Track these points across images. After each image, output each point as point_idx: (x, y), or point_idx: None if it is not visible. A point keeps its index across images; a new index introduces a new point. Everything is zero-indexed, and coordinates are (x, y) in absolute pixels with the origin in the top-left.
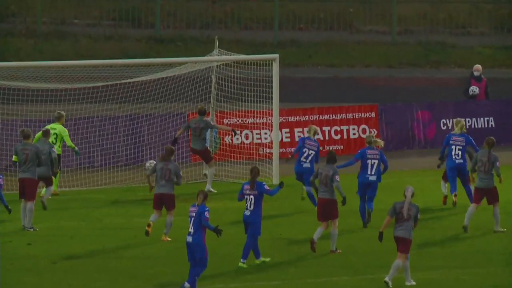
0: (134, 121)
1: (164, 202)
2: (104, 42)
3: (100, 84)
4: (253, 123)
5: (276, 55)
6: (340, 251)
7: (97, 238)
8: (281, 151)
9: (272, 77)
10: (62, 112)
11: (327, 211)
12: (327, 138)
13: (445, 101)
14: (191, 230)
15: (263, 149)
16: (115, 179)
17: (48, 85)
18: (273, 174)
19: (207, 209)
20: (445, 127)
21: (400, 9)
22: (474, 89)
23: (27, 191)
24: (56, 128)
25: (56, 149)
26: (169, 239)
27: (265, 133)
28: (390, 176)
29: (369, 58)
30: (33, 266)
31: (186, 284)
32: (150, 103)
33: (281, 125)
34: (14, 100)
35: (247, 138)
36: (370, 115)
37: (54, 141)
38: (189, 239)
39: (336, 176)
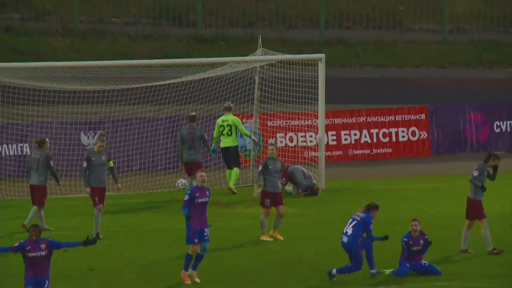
0: (175, 123)
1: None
2: (143, 41)
3: (139, 85)
4: (298, 125)
5: (322, 55)
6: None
7: (136, 244)
8: (327, 154)
9: (317, 77)
10: (231, 104)
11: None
12: (375, 141)
13: (498, 102)
14: (349, 231)
15: (309, 152)
16: (155, 183)
17: (85, 86)
18: (319, 177)
19: (372, 221)
20: (499, 129)
21: (452, 7)
22: None
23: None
24: (228, 119)
25: (232, 140)
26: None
27: (311, 136)
28: (441, 180)
29: (419, 58)
30: (69, 273)
31: (334, 271)
32: (191, 104)
33: (327, 128)
34: (50, 102)
35: (291, 140)
36: (420, 117)
37: (229, 133)
38: (345, 239)
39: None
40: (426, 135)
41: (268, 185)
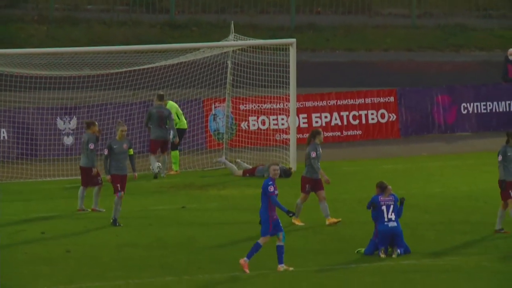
0: (149, 108)
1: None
2: (117, 28)
3: (114, 70)
4: (270, 108)
5: (293, 40)
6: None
7: (112, 227)
8: (298, 136)
9: (289, 62)
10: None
11: None
12: (345, 123)
13: (465, 85)
14: (392, 216)
15: (280, 134)
16: (130, 166)
17: (61, 72)
18: (290, 160)
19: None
20: (466, 111)
21: None
22: None
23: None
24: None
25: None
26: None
27: (282, 119)
28: (410, 161)
29: (388, 42)
30: (47, 255)
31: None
32: (165, 89)
33: (298, 111)
34: (26, 88)
35: (263, 123)
36: (389, 99)
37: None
38: (394, 224)
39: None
40: (395, 117)
41: (309, 171)
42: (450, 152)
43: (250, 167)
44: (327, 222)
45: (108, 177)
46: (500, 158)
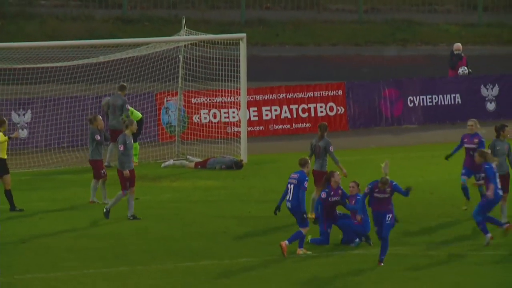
0: (102, 101)
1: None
2: (71, 23)
3: (68, 64)
4: (221, 102)
5: (243, 35)
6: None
7: (66, 218)
8: (249, 129)
9: (239, 56)
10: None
11: None
12: (294, 116)
13: (411, 78)
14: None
15: (231, 127)
16: (84, 158)
17: (14, 65)
18: (241, 152)
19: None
20: (412, 104)
21: None
22: (464, 70)
23: None
24: None
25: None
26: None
27: (233, 112)
28: (357, 154)
29: (336, 37)
30: (1, 246)
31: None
32: (117, 82)
33: (249, 104)
34: None
35: (215, 117)
36: (337, 93)
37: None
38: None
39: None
40: (343, 110)
41: (323, 165)
42: (398, 144)
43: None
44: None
45: (127, 171)
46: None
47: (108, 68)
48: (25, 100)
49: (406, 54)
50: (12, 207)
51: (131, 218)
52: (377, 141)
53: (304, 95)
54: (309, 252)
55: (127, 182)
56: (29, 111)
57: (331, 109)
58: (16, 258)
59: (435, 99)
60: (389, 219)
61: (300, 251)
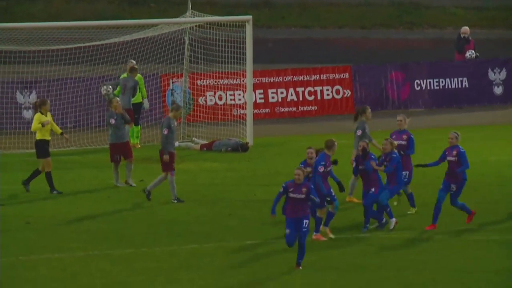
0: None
1: None
2: (76, 4)
3: (73, 45)
4: (227, 84)
5: (250, 17)
6: None
7: (71, 200)
8: (254, 112)
9: (245, 38)
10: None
11: None
12: (301, 99)
13: (418, 62)
14: None
15: (237, 110)
16: (88, 140)
17: (19, 47)
18: (247, 134)
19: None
20: (419, 87)
21: None
22: (471, 53)
23: None
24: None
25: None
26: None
27: (239, 94)
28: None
29: (342, 20)
30: (5, 227)
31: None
32: (123, 64)
33: (255, 86)
34: None
35: (220, 99)
36: (344, 76)
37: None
38: None
39: None
40: (349, 93)
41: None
42: None
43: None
44: (347, 199)
45: (167, 156)
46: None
47: (113, 50)
48: (30, 80)
49: (413, 37)
50: (52, 189)
51: (175, 201)
52: (384, 124)
53: (311, 77)
54: (331, 235)
55: (173, 164)
56: (33, 92)
57: (337, 92)
58: (20, 239)
59: (442, 82)
60: (306, 225)
61: (323, 229)
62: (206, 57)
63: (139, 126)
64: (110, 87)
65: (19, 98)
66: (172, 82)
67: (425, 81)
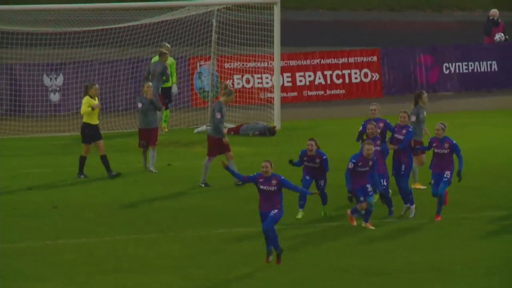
0: (135, 65)
1: None
2: None
3: (100, 27)
4: (254, 67)
5: None
6: None
7: (98, 184)
8: (282, 95)
9: (273, 21)
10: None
11: None
12: (328, 82)
13: (447, 45)
14: None
15: (265, 93)
16: (115, 123)
17: (47, 28)
18: (275, 118)
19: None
20: (448, 71)
21: None
22: (500, 36)
23: None
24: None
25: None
26: None
27: (267, 78)
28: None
29: (371, 2)
30: (33, 212)
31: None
32: (150, 46)
33: (283, 70)
34: (13, 44)
35: (248, 82)
36: (372, 59)
37: None
38: None
39: None
40: (378, 76)
41: (416, 134)
42: (432, 112)
43: (234, 126)
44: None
45: (226, 139)
46: None
47: (141, 32)
48: (57, 63)
49: (442, 20)
50: (109, 173)
51: (203, 185)
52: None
53: (339, 61)
54: (371, 227)
55: (216, 150)
56: (61, 75)
57: (365, 75)
58: (47, 223)
59: (471, 66)
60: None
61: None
62: (234, 40)
63: (167, 110)
64: (175, 86)
65: (46, 81)
66: (200, 65)
67: (454, 64)
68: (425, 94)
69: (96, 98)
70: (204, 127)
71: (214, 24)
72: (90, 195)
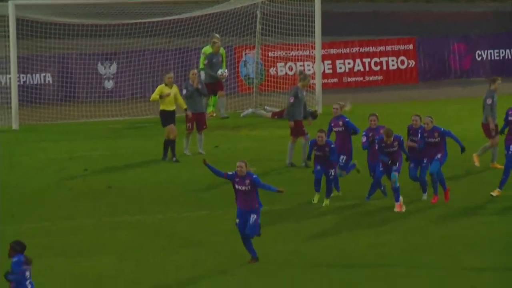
0: (183, 55)
1: None
2: None
3: (151, 19)
4: (297, 55)
5: None
6: None
7: (151, 166)
8: (323, 81)
9: (314, 12)
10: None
11: None
12: (367, 69)
13: (479, 34)
14: None
15: None
16: None
17: (101, 21)
18: (316, 103)
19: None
20: (480, 58)
21: None
22: None
23: None
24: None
25: None
26: None
27: (308, 65)
28: (428, 105)
29: None
30: (89, 191)
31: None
32: (198, 37)
33: (323, 57)
34: (70, 35)
35: (291, 69)
36: (408, 47)
37: None
38: None
39: None
40: (414, 63)
41: (485, 117)
42: (467, 96)
43: (278, 110)
44: (491, 165)
45: (292, 122)
46: None
47: (189, 23)
48: (110, 52)
49: (475, 10)
50: (170, 156)
51: (305, 164)
52: (446, 93)
53: (376, 49)
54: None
55: (295, 132)
56: (114, 63)
57: (402, 62)
58: (103, 202)
59: (502, 53)
60: (253, 220)
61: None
62: (277, 30)
63: (216, 96)
64: (226, 71)
65: (100, 69)
66: (245, 54)
67: (486, 51)
68: (499, 80)
69: (174, 86)
70: (250, 111)
71: (259, 15)
72: (143, 177)
